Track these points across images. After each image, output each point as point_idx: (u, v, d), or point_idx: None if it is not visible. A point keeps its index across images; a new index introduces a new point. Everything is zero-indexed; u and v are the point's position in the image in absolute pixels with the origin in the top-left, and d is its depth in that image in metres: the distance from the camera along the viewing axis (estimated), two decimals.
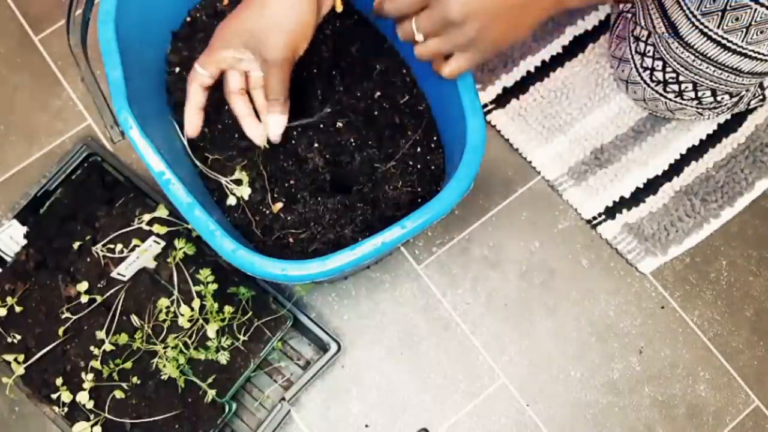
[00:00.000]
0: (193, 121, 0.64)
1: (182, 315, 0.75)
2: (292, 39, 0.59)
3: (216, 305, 0.76)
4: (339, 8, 0.62)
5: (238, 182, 0.69)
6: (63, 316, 0.78)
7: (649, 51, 0.77)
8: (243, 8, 0.60)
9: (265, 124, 0.64)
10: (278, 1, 0.58)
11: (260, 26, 0.59)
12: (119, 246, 0.77)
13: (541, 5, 0.52)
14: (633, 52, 0.81)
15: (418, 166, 0.70)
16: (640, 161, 0.89)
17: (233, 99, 0.64)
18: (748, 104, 0.86)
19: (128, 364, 0.76)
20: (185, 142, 0.72)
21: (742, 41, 0.66)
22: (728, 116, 0.90)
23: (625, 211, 0.87)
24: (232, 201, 0.69)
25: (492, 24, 0.52)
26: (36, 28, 0.95)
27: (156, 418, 0.75)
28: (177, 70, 0.74)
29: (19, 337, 0.78)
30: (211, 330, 0.75)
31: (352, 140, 0.71)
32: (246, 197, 0.70)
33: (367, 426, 0.82)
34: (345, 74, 0.74)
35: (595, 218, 0.87)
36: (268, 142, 0.67)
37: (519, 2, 0.51)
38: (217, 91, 0.73)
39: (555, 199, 0.89)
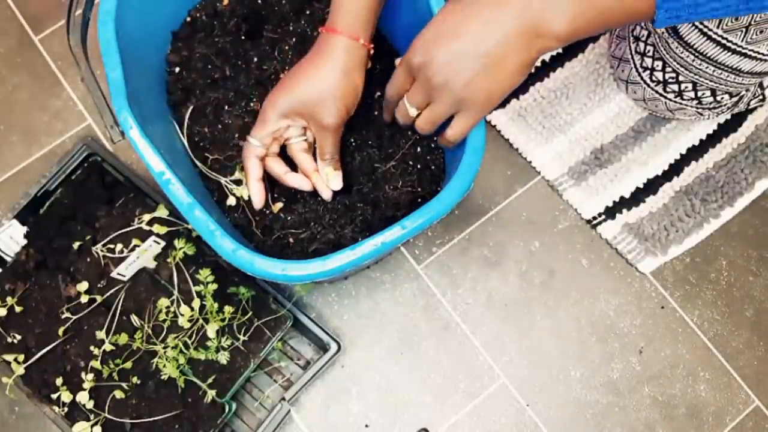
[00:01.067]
0: (258, 193, 0.66)
1: (182, 315, 0.75)
2: (347, 104, 0.62)
3: (216, 305, 0.76)
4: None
5: (238, 182, 0.69)
6: (63, 316, 0.78)
7: (648, 51, 0.77)
8: (294, 78, 0.62)
9: (325, 179, 0.66)
10: (331, 71, 0.61)
11: (314, 96, 0.61)
12: (119, 246, 0.77)
13: (517, 53, 0.51)
14: (633, 52, 0.81)
15: (418, 166, 0.70)
16: (640, 161, 0.89)
17: (252, 161, 0.66)
18: (748, 104, 0.86)
19: (128, 364, 0.76)
20: (185, 142, 0.72)
21: (742, 41, 0.66)
22: (728, 116, 0.90)
23: (625, 211, 0.87)
24: (232, 201, 0.69)
25: (474, 80, 0.52)
26: (36, 28, 0.95)
27: (156, 418, 0.75)
28: (177, 70, 0.74)
29: (19, 337, 0.78)
30: (211, 330, 0.75)
31: (352, 140, 0.71)
32: (246, 197, 0.70)
33: (367, 426, 0.82)
34: None
35: (595, 218, 0.87)
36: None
37: (493, 54, 0.51)
38: (217, 91, 0.73)
39: (555, 199, 0.89)
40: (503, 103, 0.90)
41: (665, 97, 0.80)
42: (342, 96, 0.62)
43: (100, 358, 0.76)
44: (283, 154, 0.70)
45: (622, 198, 0.88)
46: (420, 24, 0.64)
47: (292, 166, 0.70)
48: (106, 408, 0.75)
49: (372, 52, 0.65)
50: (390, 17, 0.70)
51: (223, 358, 0.75)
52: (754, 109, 0.90)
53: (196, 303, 0.76)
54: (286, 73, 0.65)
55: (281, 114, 0.63)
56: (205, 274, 0.75)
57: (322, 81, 0.61)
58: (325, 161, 0.66)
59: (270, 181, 0.71)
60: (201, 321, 0.76)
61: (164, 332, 0.76)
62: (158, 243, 0.76)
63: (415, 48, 0.55)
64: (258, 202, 0.67)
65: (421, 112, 0.58)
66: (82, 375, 0.75)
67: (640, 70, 0.80)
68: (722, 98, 0.78)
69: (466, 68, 0.52)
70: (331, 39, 0.62)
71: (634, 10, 0.47)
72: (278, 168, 0.68)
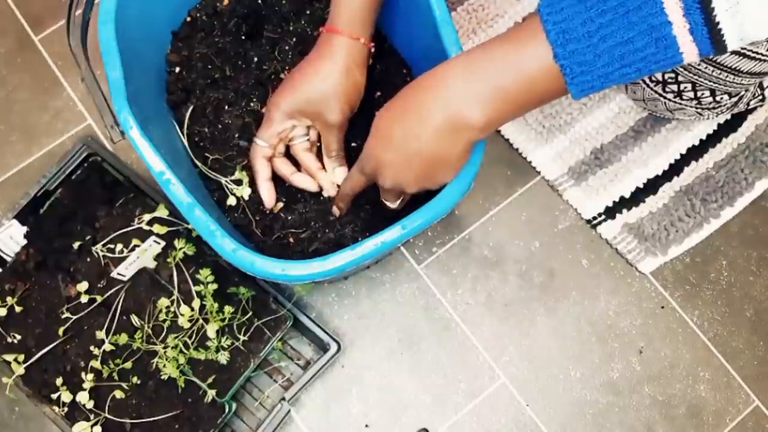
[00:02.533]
0: (268, 193, 0.69)
1: (182, 315, 0.75)
2: (350, 102, 0.64)
3: (216, 305, 0.76)
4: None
5: (238, 182, 0.69)
6: (63, 316, 0.78)
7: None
8: (298, 78, 0.64)
9: (331, 174, 0.69)
10: (334, 71, 0.62)
11: (319, 95, 0.63)
12: (119, 246, 0.77)
13: (447, 147, 0.53)
14: None
15: None
16: (640, 161, 0.89)
17: (261, 162, 0.68)
18: (748, 104, 0.86)
19: (128, 364, 0.76)
20: (185, 142, 0.72)
21: (725, 54, 0.66)
22: (728, 116, 0.90)
23: (625, 211, 0.87)
24: (232, 201, 0.69)
25: (419, 176, 0.56)
26: (36, 28, 0.95)
27: (156, 418, 0.75)
28: (177, 70, 0.74)
29: (19, 337, 0.78)
30: (211, 330, 0.75)
31: (353, 142, 0.71)
32: (246, 197, 0.70)
33: (367, 426, 0.82)
34: None
35: (595, 218, 0.87)
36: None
37: (426, 152, 0.53)
38: (217, 91, 0.73)
39: (555, 199, 0.89)
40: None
41: (664, 97, 0.80)
42: (345, 94, 0.63)
43: (100, 358, 0.76)
44: (287, 154, 0.70)
45: (622, 198, 0.88)
46: (420, 23, 0.64)
47: (296, 165, 0.71)
48: (106, 408, 0.75)
49: (373, 50, 0.65)
50: (390, 17, 0.70)
51: (223, 358, 0.75)
52: (754, 109, 0.90)
53: (196, 303, 0.76)
54: (289, 73, 0.66)
55: (286, 114, 0.64)
56: (205, 274, 0.75)
57: (326, 81, 0.62)
58: (332, 158, 0.67)
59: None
60: (201, 321, 0.76)
61: (164, 332, 0.76)
62: (158, 243, 0.76)
63: (363, 158, 0.59)
64: (268, 202, 0.69)
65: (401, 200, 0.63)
66: (82, 375, 0.75)
67: None
68: (722, 98, 0.78)
69: (409, 171, 0.55)
70: (332, 39, 0.63)
71: (547, 93, 0.49)
72: (285, 168, 0.69)
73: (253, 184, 0.70)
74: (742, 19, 0.42)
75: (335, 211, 0.69)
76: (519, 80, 0.48)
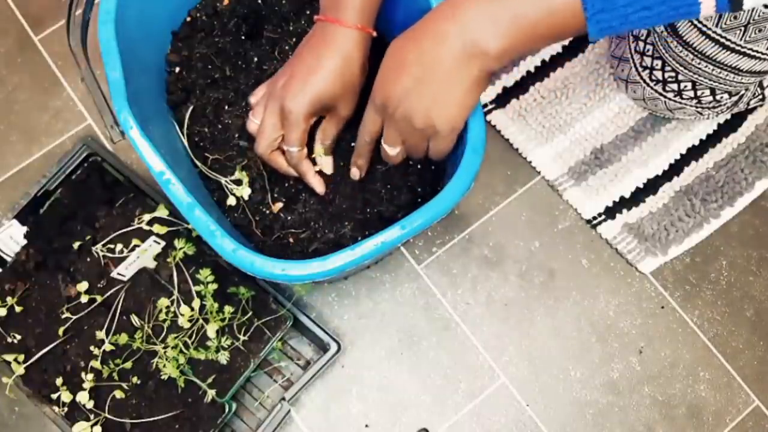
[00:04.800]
0: (319, 182, 0.68)
1: (182, 315, 0.75)
2: (360, 93, 0.65)
3: (216, 305, 0.76)
4: None
5: (238, 182, 0.69)
6: (63, 316, 0.78)
7: (648, 50, 0.77)
8: (312, 77, 0.62)
9: (321, 162, 0.69)
10: (349, 68, 0.62)
11: (337, 93, 0.62)
12: (119, 246, 0.77)
13: (460, 75, 0.53)
14: (632, 51, 0.81)
15: (418, 166, 0.70)
16: (640, 161, 0.89)
17: (305, 163, 0.68)
18: (748, 104, 0.86)
19: (128, 364, 0.76)
20: (185, 142, 0.72)
21: (741, 39, 0.66)
22: (728, 116, 0.90)
23: (625, 211, 0.87)
24: (232, 201, 0.69)
25: (430, 108, 0.55)
26: (36, 28, 0.95)
27: (156, 418, 0.75)
28: (177, 70, 0.74)
29: (19, 337, 0.78)
30: (211, 330, 0.75)
31: (353, 143, 0.71)
32: (246, 197, 0.70)
33: (367, 426, 0.82)
34: None
35: (595, 218, 0.87)
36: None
37: (438, 81, 0.53)
38: (217, 91, 0.73)
39: (555, 199, 0.89)
40: (503, 103, 0.90)
41: (665, 97, 0.80)
42: (360, 88, 0.64)
43: (100, 358, 0.76)
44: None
45: (622, 198, 0.88)
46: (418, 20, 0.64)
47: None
48: (106, 408, 0.75)
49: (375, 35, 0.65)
50: (390, 17, 0.70)
51: (223, 358, 0.75)
52: (754, 108, 0.90)
53: (196, 303, 0.76)
54: (292, 68, 0.64)
55: (308, 114, 0.63)
56: (205, 274, 0.75)
57: (344, 78, 0.62)
58: (325, 145, 0.67)
59: (270, 181, 0.71)
60: (201, 321, 0.76)
61: (164, 332, 0.76)
62: (158, 243, 0.76)
63: (374, 91, 0.58)
64: (322, 189, 0.69)
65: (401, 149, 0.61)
66: (82, 375, 0.75)
67: (640, 69, 0.80)
68: (722, 97, 0.78)
69: (419, 99, 0.54)
70: (340, 32, 0.61)
71: (565, 26, 0.49)
72: (284, 162, 0.69)
73: (253, 184, 0.70)
74: None
75: (354, 173, 0.67)
76: (539, 10, 0.48)
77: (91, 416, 0.75)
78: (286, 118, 0.63)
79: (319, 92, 0.62)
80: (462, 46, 0.51)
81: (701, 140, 0.90)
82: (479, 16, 0.50)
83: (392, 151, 0.61)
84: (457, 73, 0.52)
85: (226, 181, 0.70)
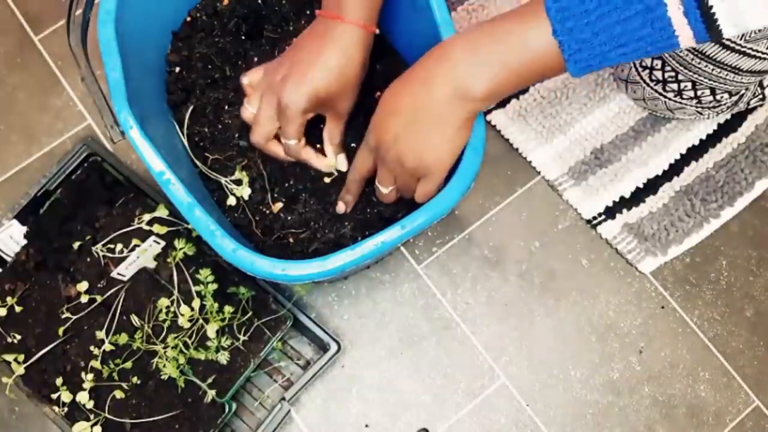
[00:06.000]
0: (325, 164, 0.70)
1: (182, 315, 0.75)
2: (357, 92, 0.66)
3: (216, 305, 0.76)
4: None
5: (238, 182, 0.69)
6: (63, 316, 0.78)
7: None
8: (313, 72, 0.62)
9: (337, 163, 0.70)
10: (350, 65, 0.62)
11: (337, 89, 0.63)
12: (119, 246, 0.77)
13: (449, 118, 0.55)
14: None
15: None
16: (640, 161, 0.89)
17: (306, 151, 0.69)
18: (748, 103, 0.86)
19: (128, 364, 0.76)
20: (185, 142, 0.72)
21: (741, 39, 0.66)
22: (728, 116, 0.90)
23: (625, 211, 0.87)
24: (232, 201, 0.69)
25: (421, 150, 0.56)
26: (36, 28, 0.95)
27: (156, 418, 0.75)
28: (177, 70, 0.74)
29: (19, 337, 0.78)
30: (211, 330, 0.75)
31: (353, 143, 0.71)
32: (246, 197, 0.70)
33: (367, 426, 0.82)
34: None
35: (595, 218, 0.87)
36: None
37: (428, 123, 0.55)
38: (217, 91, 0.73)
39: (555, 199, 0.89)
40: (503, 103, 0.90)
41: (665, 97, 0.80)
42: (359, 85, 0.65)
43: (100, 358, 0.76)
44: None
45: (622, 198, 0.88)
46: (420, 24, 0.64)
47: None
48: (106, 408, 0.75)
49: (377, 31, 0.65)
50: (390, 18, 0.70)
51: (223, 358, 0.75)
52: (754, 108, 0.90)
53: (196, 303, 0.76)
54: (294, 59, 0.63)
55: (306, 110, 0.63)
56: (205, 274, 0.75)
57: (343, 75, 0.62)
58: (336, 145, 0.68)
59: (270, 181, 0.71)
60: (201, 321, 0.76)
61: (164, 332, 0.76)
62: (158, 243, 0.76)
63: (368, 133, 0.60)
64: (343, 165, 0.70)
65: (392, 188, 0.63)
66: (82, 375, 0.75)
67: (640, 69, 0.80)
68: (722, 97, 0.78)
69: (411, 142, 0.56)
70: (342, 28, 0.61)
71: (548, 68, 0.50)
72: (281, 150, 0.69)
73: (253, 184, 0.70)
74: (733, 4, 0.42)
75: (340, 207, 0.69)
76: (521, 54, 0.50)
77: (91, 416, 0.75)
78: (283, 112, 0.63)
79: (318, 88, 0.62)
80: (451, 90, 0.53)
81: (701, 140, 0.90)
82: (466, 62, 0.52)
83: (385, 190, 0.63)
84: (446, 116, 0.54)
85: (226, 181, 0.70)
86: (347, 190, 0.67)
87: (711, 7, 0.43)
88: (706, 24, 0.44)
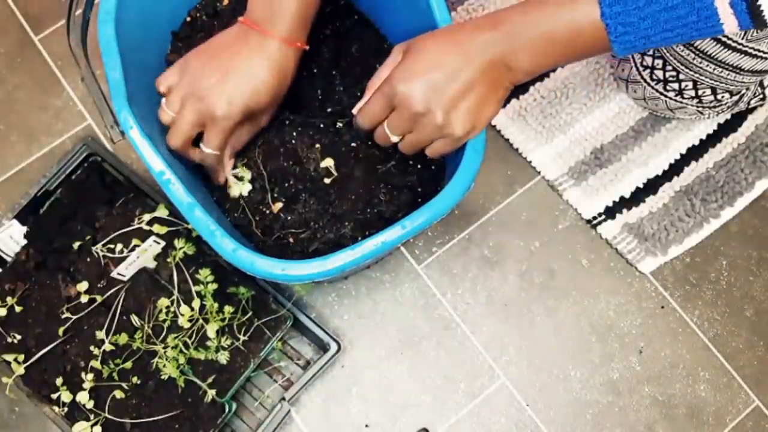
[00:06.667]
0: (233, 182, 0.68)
1: (182, 315, 0.75)
2: (279, 106, 0.66)
3: (216, 305, 0.76)
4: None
5: (240, 178, 0.69)
6: (63, 316, 0.78)
7: (649, 49, 0.77)
8: (245, 86, 0.61)
9: (242, 187, 0.69)
10: (282, 81, 0.62)
11: (266, 104, 0.63)
12: (119, 246, 0.77)
13: (491, 84, 0.55)
14: None
15: (418, 166, 0.70)
16: (640, 161, 0.89)
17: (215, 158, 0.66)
18: (749, 103, 0.86)
19: (128, 364, 0.76)
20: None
21: (742, 38, 0.66)
22: (728, 116, 0.90)
23: (625, 211, 0.87)
24: (235, 192, 0.68)
25: (454, 108, 0.55)
26: (36, 28, 0.95)
27: (156, 418, 0.75)
28: None
29: (19, 337, 0.78)
30: (211, 330, 0.75)
31: (353, 143, 0.71)
32: (246, 194, 0.70)
33: (367, 426, 0.82)
34: (345, 74, 0.73)
35: (595, 218, 0.87)
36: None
37: (470, 84, 0.54)
38: None
39: (555, 199, 0.89)
40: (503, 103, 0.90)
41: (666, 96, 0.80)
42: (280, 99, 0.65)
43: (100, 358, 0.76)
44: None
45: (622, 198, 0.88)
46: (420, 23, 0.64)
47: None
48: (106, 408, 0.75)
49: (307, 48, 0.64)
50: (390, 17, 0.70)
51: (223, 358, 0.75)
52: (755, 108, 0.90)
53: (196, 303, 0.76)
54: (222, 67, 0.61)
55: (238, 122, 0.63)
56: (205, 274, 0.75)
57: (277, 90, 0.63)
58: (237, 150, 0.67)
59: (270, 181, 0.71)
60: (201, 321, 0.76)
61: (164, 332, 0.76)
62: (158, 243, 0.76)
63: (395, 79, 0.56)
64: (222, 179, 0.68)
65: (403, 138, 0.60)
66: (82, 375, 0.75)
67: (641, 68, 0.80)
68: (723, 97, 0.78)
69: (447, 97, 0.55)
70: (275, 45, 0.61)
71: (593, 47, 0.52)
72: (198, 155, 0.67)
73: (253, 184, 0.70)
74: None
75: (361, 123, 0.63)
76: (569, 32, 0.51)
77: (91, 416, 0.75)
78: (213, 122, 0.62)
79: (253, 102, 0.61)
80: (499, 57, 0.53)
81: (701, 140, 0.90)
82: (516, 34, 0.53)
83: (393, 138, 0.60)
84: (488, 82, 0.54)
85: (230, 173, 0.69)
86: (357, 132, 0.65)
87: (760, 7, 0.45)
88: (751, 13, 0.45)
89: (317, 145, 0.70)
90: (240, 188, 0.69)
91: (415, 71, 0.55)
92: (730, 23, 0.47)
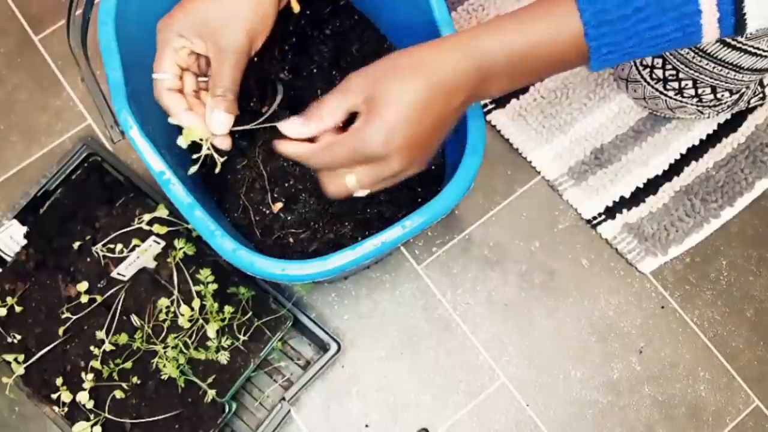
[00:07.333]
0: (194, 120, 0.57)
1: (182, 315, 0.75)
2: (251, 28, 0.55)
3: (216, 305, 0.76)
4: (296, 9, 0.60)
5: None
6: (63, 316, 0.78)
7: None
8: None
9: (208, 120, 0.56)
10: None
11: (216, 13, 0.54)
12: (119, 246, 0.77)
13: (458, 108, 0.50)
14: None
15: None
16: (640, 161, 0.89)
17: (168, 95, 0.57)
18: (749, 102, 0.86)
19: (128, 364, 0.76)
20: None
21: (742, 37, 0.66)
22: (728, 116, 0.90)
23: (625, 211, 0.87)
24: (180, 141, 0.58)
25: (426, 154, 0.51)
26: (36, 28, 0.95)
27: (156, 418, 0.75)
28: None
29: (19, 337, 0.78)
30: (211, 330, 0.75)
31: None
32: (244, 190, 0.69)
33: (367, 426, 0.82)
34: (345, 74, 0.73)
35: (595, 218, 0.87)
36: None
37: (450, 123, 0.51)
38: None
39: (555, 199, 0.89)
40: (503, 103, 0.90)
41: (665, 95, 0.80)
42: (249, 20, 0.54)
43: (100, 358, 0.76)
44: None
45: (622, 198, 0.88)
46: (420, 23, 0.64)
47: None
48: (106, 408, 0.75)
49: None
50: (390, 16, 0.70)
51: (223, 358, 0.75)
52: (755, 107, 0.90)
53: (196, 303, 0.76)
54: None
55: (178, 33, 0.55)
56: (205, 274, 0.75)
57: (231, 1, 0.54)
58: (216, 96, 0.55)
59: (270, 181, 0.71)
60: (201, 321, 0.76)
61: (164, 332, 0.76)
62: (158, 243, 0.76)
63: (369, 140, 0.49)
64: (219, 127, 0.56)
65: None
66: (82, 375, 0.75)
67: (640, 68, 0.80)
68: (722, 96, 0.78)
69: (425, 151, 0.51)
70: None
71: (570, 65, 0.50)
72: (178, 103, 0.58)
73: (252, 184, 0.70)
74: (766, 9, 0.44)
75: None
76: (547, 53, 0.48)
77: (91, 416, 0.75)
78: (157, 39, 0.56)
79: (194, 8, 0.54)
80: (475, 92, 0.50)
81: (701, 140, 0.90)
82: (493, 60, 0.49)
83: (363, 193, 0.54)
84: (461, 114, 0.51)
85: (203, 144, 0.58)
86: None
87: (745, 14, 0.44)
88: (736, 27, 0.45)
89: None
90: (183, 141, 0.58)
91: (392, 134, 0.48)
92: (710, 36, 0.46)
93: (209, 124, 0.56)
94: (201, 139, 0.56)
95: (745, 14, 0.44)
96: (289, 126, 0.53)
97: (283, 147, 0.53)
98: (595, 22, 0.46)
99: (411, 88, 0.48)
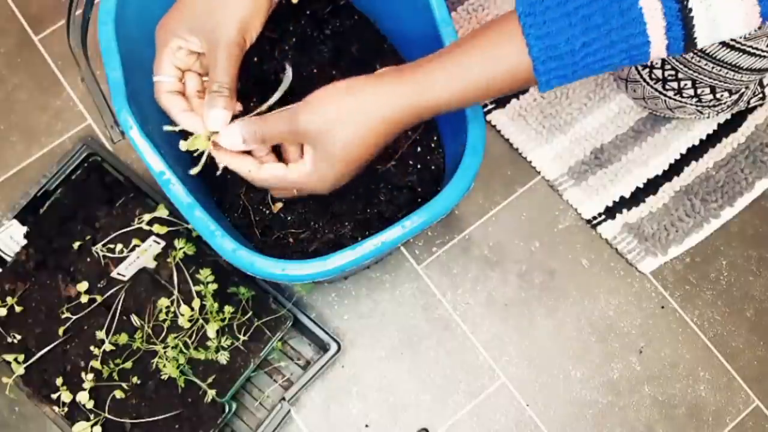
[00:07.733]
0: (197, 121, 0.56)
1: (182, 315, 0.75)
2: (243, 20, 0.54)
3: (216, 305, 0.76)
4: None
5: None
6: (63, 316, 0.78)
7: None
8: None
9: (205, 117, 0.55)
10: None
11: (206, 8, 0.53)
12: (119, 246, 0.77)
13: (395, 135, 0.53)
14: None
15: (418, 166, 0.70)
16: (640, 161, 0.89)
17: (167, 98, 0.57)
18: (749, 102, 0.86)
19: (128, 364, 0.76)
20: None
21: (741, 37, 0.66)
22: (728, 116, 0.90)
23: (625, 211, 0.87)
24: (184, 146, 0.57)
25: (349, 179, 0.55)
26: (36, 28, 0.95)
27: (156, 418, 0.75)
28: None
29: (19, 337, 0.78)
30: (211, 330, 0.75)
31: None
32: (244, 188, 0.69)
33: (367, 426, 0.82)
34: (345, 74, 0.73)
35: (595, 218, 0.87)
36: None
37: (377, 150, 0.53)
38: None
39: (555, 199, 0.89)
40: (503, 104, 0.90)
41: (665, 95, 0.80)
42: (240, 12, 0.54)
43: (100, 358, 0.76)
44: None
45: (622, 198, 0.88)
46: (420, 23, 0.64)
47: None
48: (106, 408, 0.75)
49: None
50: (390, 17, 0.70)
51: (223, 358, 0.75)
52: (755, 107, 0.90)
53: (196, 303, 0.76)
54: None
55: (173, 33, 0.55)
56: (205, 274, 0.75)
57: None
58: (213, 92, 0.54)
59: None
60: (201, 321, 0.76)
61: (164, 332, 0.76)
62: (158, 243, 0.76)
63: (313, 182, 0.54)
64: (216, 124, 0.55)
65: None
66: (82, 375, 0.75)
67: (640, 68, 0.80)
68: (722, 96, 0.78)
69: (354, 171, 0.55)
70: None
71: (515, 89, 0.49)
72: (178, 104, 0.57)
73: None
74: (718, 35, 0.44)
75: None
76: (495, 82, 0.49)
77: (91, 416, 0.75)
78: (156, 42, 0.56)
79: (184, 8, 0.54)
80: (417, 117, 0.51)
81: (701, 140, 0.90)
82: (438, 91, 0.50)
83: (289, 195, 0.60)
84: (390, 141, 0.53)
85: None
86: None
87: (695, 39, 0.44)
88: (685, 49, 0.45)
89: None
90: (187, 145, 0.57)
91: (337, 180, 0.54)
92: (655, 58, 0.46)
93: (206, 120, 0.55)
94: (208, 138, 0.56)
95: (696, 41, 0.44)
96: (232, 129, 0.54)
97: (227, 160, 0.56)
98: (543, 57, 0.46)
99: (352, 132, 0.51)
